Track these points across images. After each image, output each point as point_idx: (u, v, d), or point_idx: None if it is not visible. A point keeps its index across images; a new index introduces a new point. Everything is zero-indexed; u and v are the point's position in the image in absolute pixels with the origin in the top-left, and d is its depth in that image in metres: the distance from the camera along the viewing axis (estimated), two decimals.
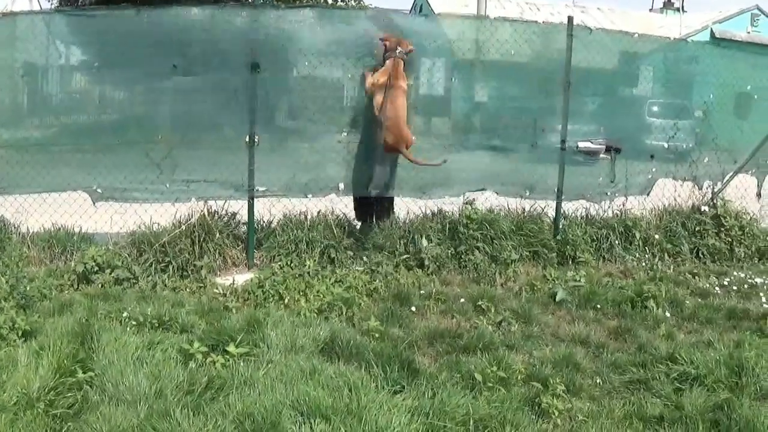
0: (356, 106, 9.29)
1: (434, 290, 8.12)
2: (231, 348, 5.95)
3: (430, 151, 9.49)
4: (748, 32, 44.91)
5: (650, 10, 55.04)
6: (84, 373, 5.41)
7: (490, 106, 10.38)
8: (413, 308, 7.65)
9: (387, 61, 8.67)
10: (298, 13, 9.42)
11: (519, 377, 5.94)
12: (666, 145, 10.84)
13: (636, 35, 10.80)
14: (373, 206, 9.51)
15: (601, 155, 10.59)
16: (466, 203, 9.55)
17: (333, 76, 9.51)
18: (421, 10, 42.77)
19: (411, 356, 6.23)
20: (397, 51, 8.67)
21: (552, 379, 5.80)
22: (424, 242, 9.00)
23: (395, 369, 5.81)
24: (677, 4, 50.99)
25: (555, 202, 10.05)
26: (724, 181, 11.28)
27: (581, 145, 10.29)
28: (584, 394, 5.83)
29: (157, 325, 6.63)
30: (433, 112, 10.33)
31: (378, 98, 8.59)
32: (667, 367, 6.17)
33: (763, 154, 11.47)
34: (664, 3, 53.15)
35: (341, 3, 27.77)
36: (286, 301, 7.65)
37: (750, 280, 9.21)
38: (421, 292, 8.09)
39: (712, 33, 42.94)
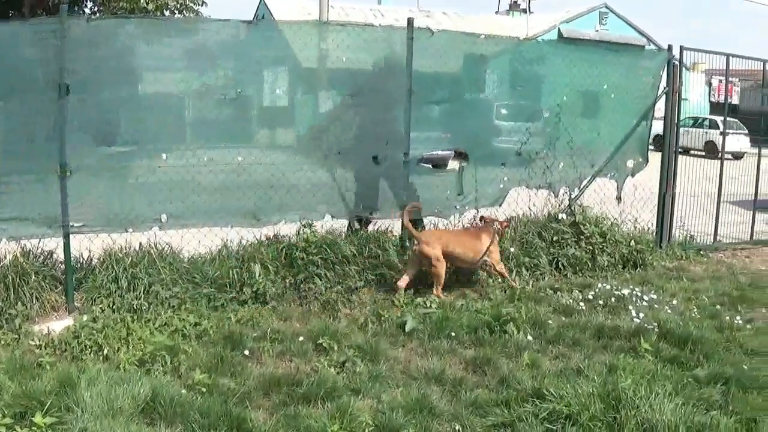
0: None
1: (270, 328, 7.50)
2: (37, 418, 5.20)
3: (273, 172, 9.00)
4: (597, 30, 46.41)
5: (496, 12, 56.31)
6: None
7: (333, 118, 9.80)
8: (246, 352, 6.98)
9: None
10: (115, 25, 8.88)
11: (367, 431, 5.34)
12: (518, 152, 10.49)
13: (483, 36, 10.47)
14: None
15: (449, 166, 10.19)
16: (304, 225, 8.98)
17: (161, 92, 8.97)
18: (263, 19, 42.40)
19: (243, 413, 5.59)
20: None
21: (404, 430, 5.27)
22: (257, 269, 8.46)
23: (224, 431, 5.21)
24: (524, 6, 52.20)
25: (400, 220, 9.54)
26: (581, 186, 11.05)
27: (426, 155, 9.87)
28: None
29: None
30: (277, 125, 9.91)
31: None
32: (535, 406, 5.66)
33: (621, 157, 11.29)
34: (510, 5, 54.45)
35: (178, 15, 26.89)
36: (106, 351, 6.89)
37: (616, 292, 8.91)
38: (255, 332, 7.44)
39: (559, 33, 44.26)
